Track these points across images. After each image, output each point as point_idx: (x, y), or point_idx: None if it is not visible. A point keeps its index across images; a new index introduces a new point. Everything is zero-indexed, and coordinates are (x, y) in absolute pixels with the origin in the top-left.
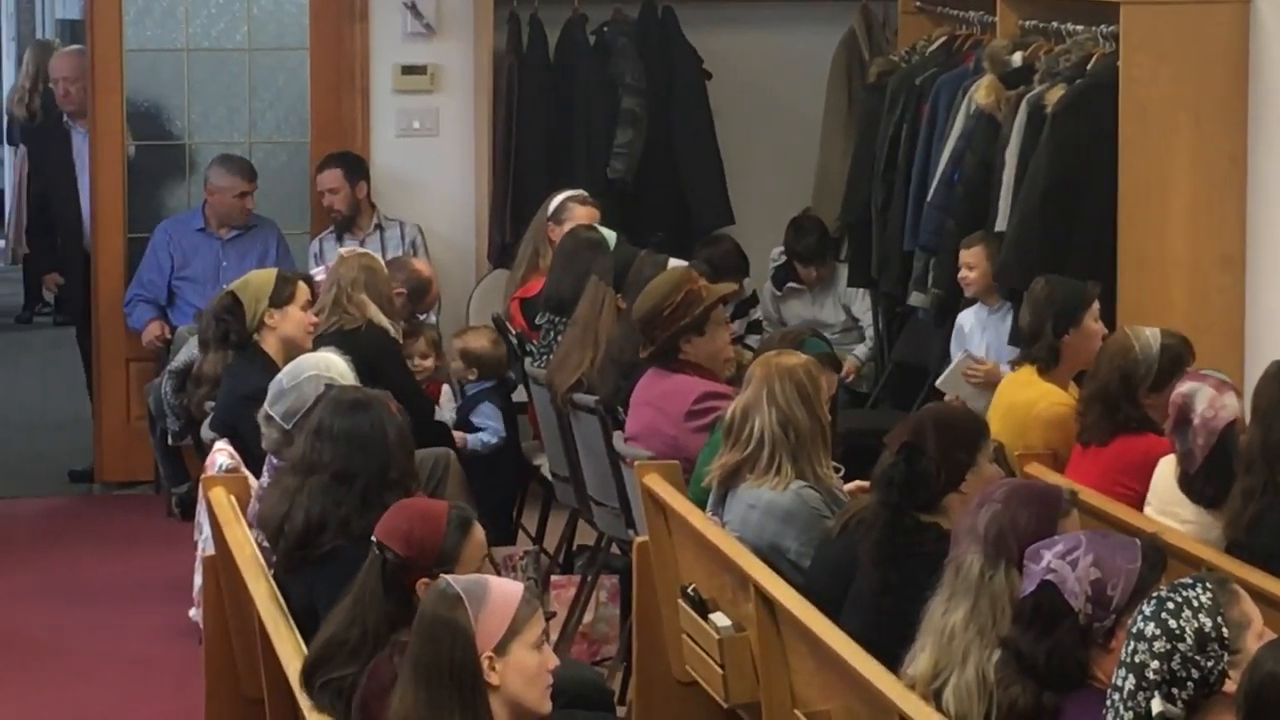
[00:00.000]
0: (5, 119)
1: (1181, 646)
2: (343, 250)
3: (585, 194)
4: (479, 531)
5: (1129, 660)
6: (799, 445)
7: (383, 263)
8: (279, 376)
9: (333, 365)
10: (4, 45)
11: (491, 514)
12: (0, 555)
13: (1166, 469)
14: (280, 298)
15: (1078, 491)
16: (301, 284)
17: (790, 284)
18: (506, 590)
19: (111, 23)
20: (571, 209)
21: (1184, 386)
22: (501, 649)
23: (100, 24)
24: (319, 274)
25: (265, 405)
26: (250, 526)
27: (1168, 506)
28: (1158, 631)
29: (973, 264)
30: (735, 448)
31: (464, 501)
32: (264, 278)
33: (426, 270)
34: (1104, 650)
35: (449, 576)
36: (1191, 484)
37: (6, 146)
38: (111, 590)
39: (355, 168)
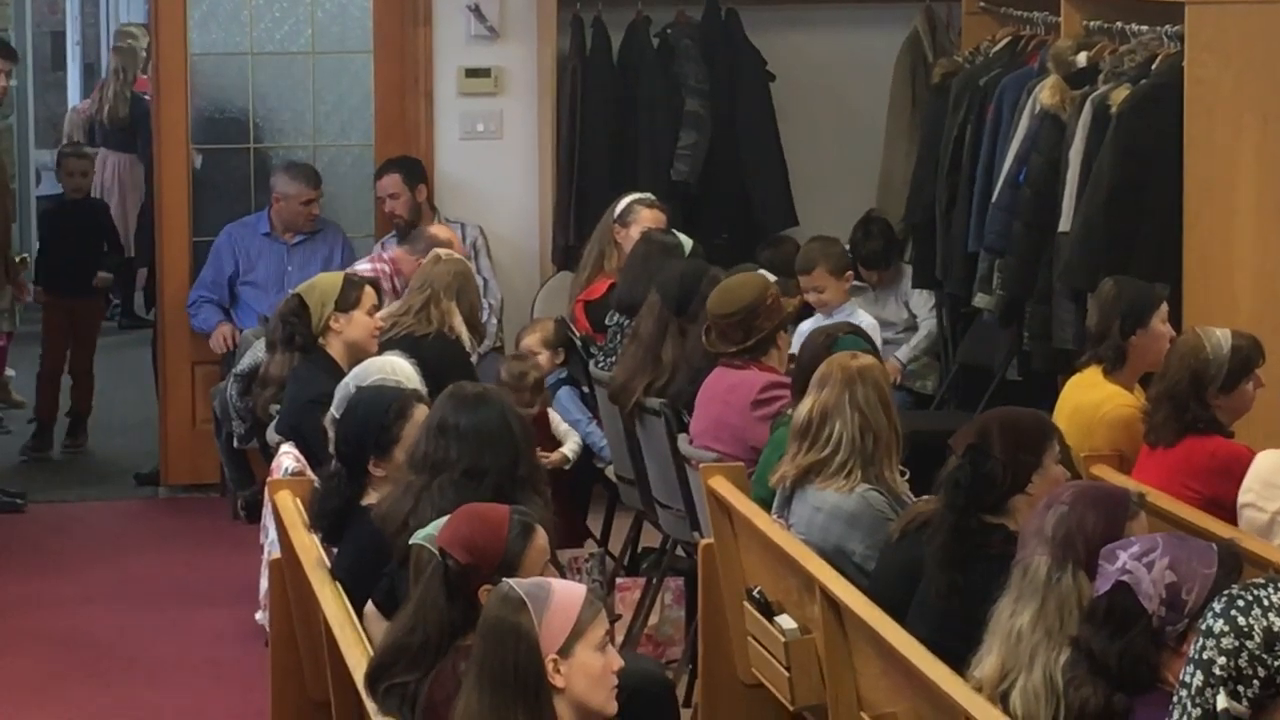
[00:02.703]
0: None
1: (1249, 644)
2: (441, 250)
3: (652, 197)
4: (541, 536)
5: (1197, 657)
6: (875, 450)
7: (472, 269)
8: (345, 380)
9: (398, 369)
10: (69, 49)
11: (568, 517)
12: (68, 558)
13: (1266, 460)
14: (346, 302)
15: (1145, 494)
16: (368, 289)
17: (854, 283)
18: (569, 592)
19: (176, 27)
20: (638, 212)
21: None
22: (565, 651)
23: (164, 28)
24: (362, 266)
25: (332, 409)
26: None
27: (1272, 490)
28: (1226, 628)
29: (820, 285)
30: (811, 449)
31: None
32: (331, 282)
33: (444, 233)
34: (1175, 654)
35: (511, 580)
36: None
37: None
38: (178, 593)
39: (413, 171)
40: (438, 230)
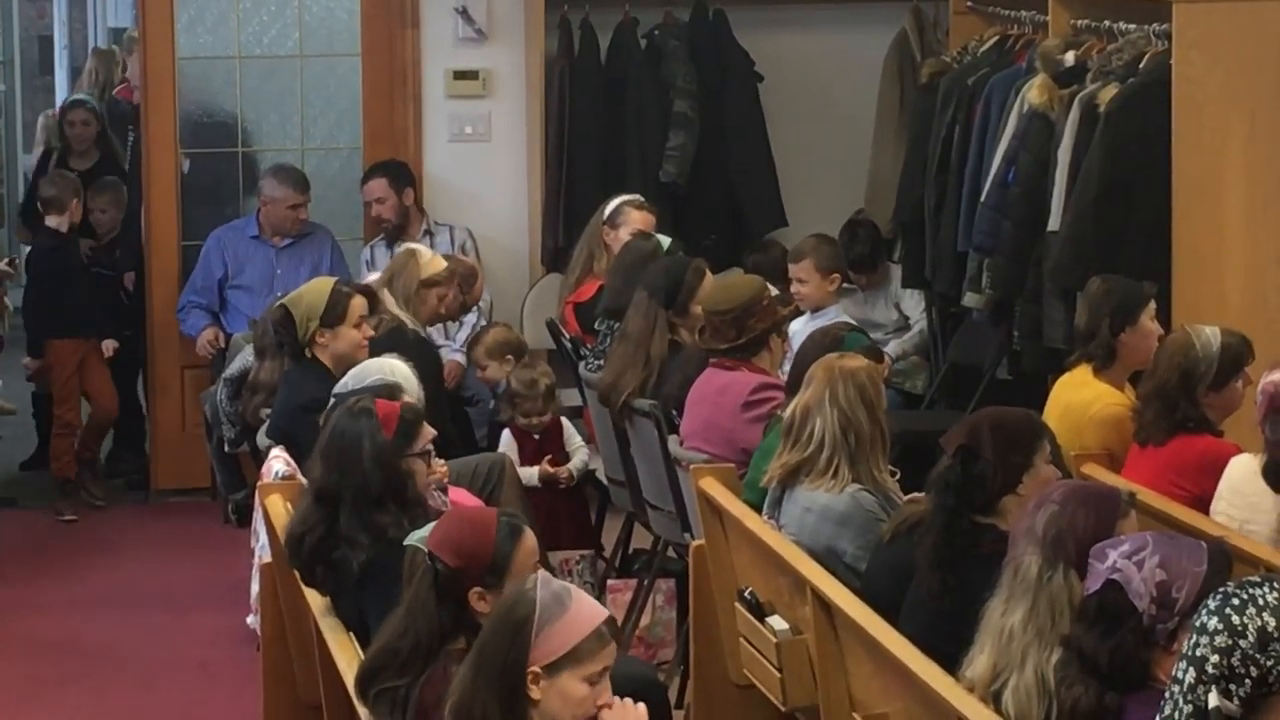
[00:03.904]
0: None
1: (1243, 643)
2: (408, 246)
3: (641, 199)
4: (530, 538)
5: (1190, 653)
6: (858, 448)
7: (427, 259)
8: (344, 380)
9: (396, 370)
10: (56, 54)
11: (575, 520)
12: (58, 563)
13: (1237, 467)
14: (332, 317)
15: (1136, 493)
16: (355, 300)
17: (842, 284)
18: (583, 615)
19: (163, 31)
20: (627, 213)
21: (1275, 375)
22: (553, 669)
23: (152, 32)
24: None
25: (329, 411)
26: None
27: (1247, 499)
28: (1220, 626)
29: (804, 278)
30: (795, 448)
31: (519, 507)
32: (317, 295)
33: (470, 260)
34: (1166, 652)
35: (544, 577)
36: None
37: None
38: (169, 597)
39: (400, 175)
40: (463, 258)
